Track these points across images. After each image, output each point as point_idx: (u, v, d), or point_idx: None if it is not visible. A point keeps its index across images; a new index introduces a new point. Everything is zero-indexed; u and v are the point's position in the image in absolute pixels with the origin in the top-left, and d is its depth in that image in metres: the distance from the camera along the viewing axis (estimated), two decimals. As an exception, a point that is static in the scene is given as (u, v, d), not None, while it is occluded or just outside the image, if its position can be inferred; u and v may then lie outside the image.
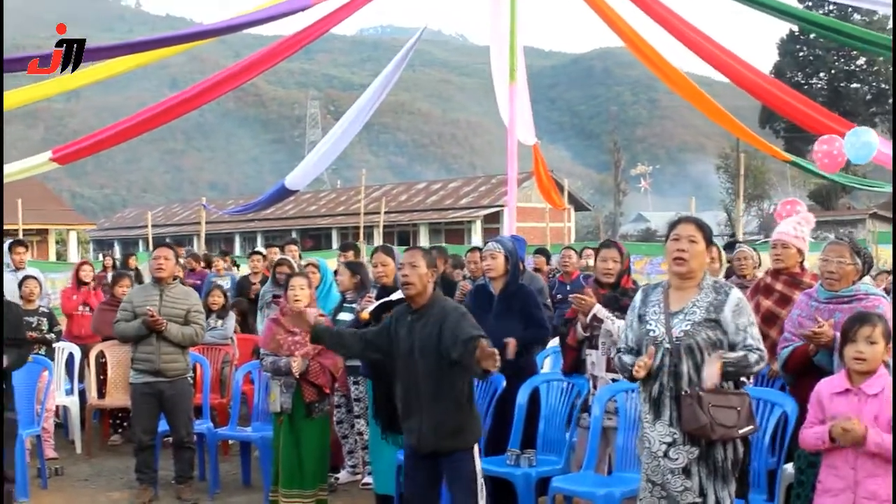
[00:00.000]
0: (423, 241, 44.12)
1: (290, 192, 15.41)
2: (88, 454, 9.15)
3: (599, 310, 5.98)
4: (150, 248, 25.41)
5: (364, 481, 7.68)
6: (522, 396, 6.41)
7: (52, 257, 38.23)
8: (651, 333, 4.44)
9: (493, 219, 45.79)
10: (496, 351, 4.65)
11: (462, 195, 50.02)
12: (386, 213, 36.90)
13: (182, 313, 7.54)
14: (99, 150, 13.02)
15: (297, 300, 6.75)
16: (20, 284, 9.35)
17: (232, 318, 9.78)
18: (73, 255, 40.80)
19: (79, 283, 10.57)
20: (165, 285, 7.57)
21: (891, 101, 47.03)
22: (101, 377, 9.55)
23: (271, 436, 7.47)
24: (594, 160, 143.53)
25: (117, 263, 13.88)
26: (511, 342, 5.59)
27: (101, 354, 9.53)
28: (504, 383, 6.39)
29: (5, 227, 31.47)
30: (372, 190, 51.25)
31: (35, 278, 9.42)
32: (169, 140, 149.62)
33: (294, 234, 51.82)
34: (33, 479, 7.94)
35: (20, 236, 25.46)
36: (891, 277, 10.25)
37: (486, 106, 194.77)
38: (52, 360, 8.95)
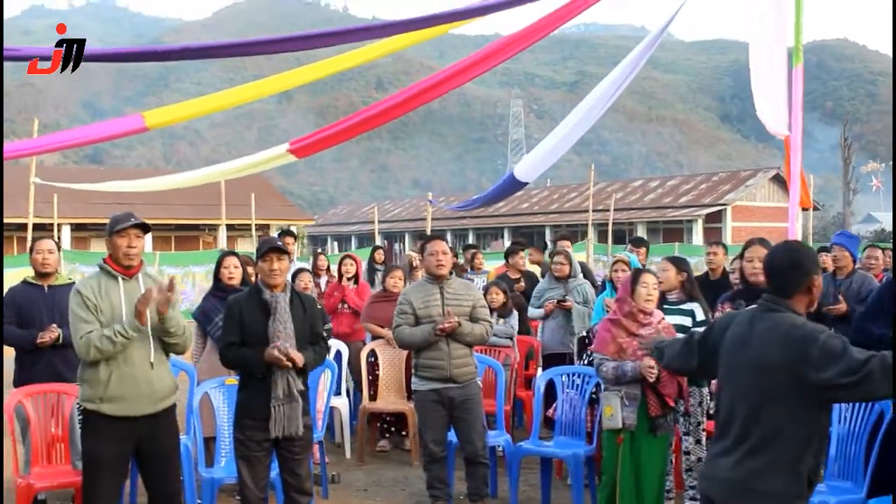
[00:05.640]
0: (641, 240, 42.63)
1: (520, 183, 14.51)
2: (361, 461, 8.53)
3: None
4: (375, 242, 25.26)
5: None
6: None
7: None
8: None
9: (715, 218, 43.83)
10: None
11: (681, 193, 48.13)
12: (603, 210, 35.77)
13: (467, 310, 6.74)
14: (334, 143, 12.55)
15: (648, 300, 5.83)
16: (293, 277, 8.82)
17: (516, 316, 8.95)
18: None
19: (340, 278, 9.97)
20: (444, 281, 6.79)
21: None
22: (370, 378, 8.94)
23: (582, 453, 6.63)
24: (809, 158, 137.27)
25: (385, 257, 13.36)
26: None
27: (371, 353, 8.92)
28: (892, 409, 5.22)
29: (239, 222, 32.31)
30: (585, 188, 50.12)
31: (308, 271, 8.88)
32: (374, 139, 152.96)
33: (506, 232, 51.41)
34: (311, 486, 7.36)
35: (253, 231, 25.89)
36: None
37: (691, 103, 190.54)
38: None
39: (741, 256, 6.41)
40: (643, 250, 9.86)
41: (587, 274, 9.94)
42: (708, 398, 6.81)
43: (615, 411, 5.75)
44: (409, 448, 8.66)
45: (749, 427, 3.66)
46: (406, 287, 7.61)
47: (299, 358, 5.49)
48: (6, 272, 17.77)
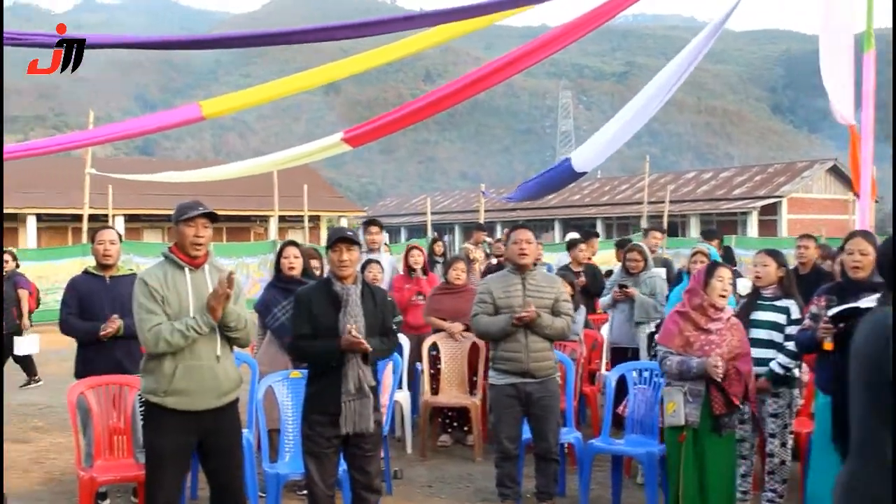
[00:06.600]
0: (694, 232, 41.99)
1: (577, 174, 14.08)
2: (423, 456, 8.35)
3: None
4: (427, 234, 25.05)
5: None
6: None
7: (324, 242, 39.15)
8: None
9: (770, 210, 43.06)
10: None
11: (735, 185, 47.36)
12: (657, 203, 35.32)
13: (549, 303, 6.51)
14: (386, 133, 12.38)
15: (722, 295, 5.56)
16: (363, 268, 8.62)
17: (583, 311, 8.71)
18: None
19: (409, 270, 9.70)
20: (527, 272, 6.56)
21: None
22: (432, 371, 8.75)
23: (657, 451, 6.37)
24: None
25: (446, 248, 13.14)
26: None
27: (433, 347, 8.72)
28: None
29: (290, 213, 32.34)
30: (636, 179, 49.65)
31: (378, 262, 8.70)
32: (422, 130, 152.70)
33: (557, 224, 51.04)
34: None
35: (305, 222, 25.83)
36: None
37: (742, 94, 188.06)
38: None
39: (842, 249, 6.12)
40: (716, 242, 9.59)
41: (669, 268, 9.70)
42: (798, 399, 6.53)
43: (678, 407, 5.52)
44: (472, 444, 8.46)
45: (851, 421, 3.43)
46: (487, 276, 7.42)
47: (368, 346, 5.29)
48: (62, 262, 17.85)
